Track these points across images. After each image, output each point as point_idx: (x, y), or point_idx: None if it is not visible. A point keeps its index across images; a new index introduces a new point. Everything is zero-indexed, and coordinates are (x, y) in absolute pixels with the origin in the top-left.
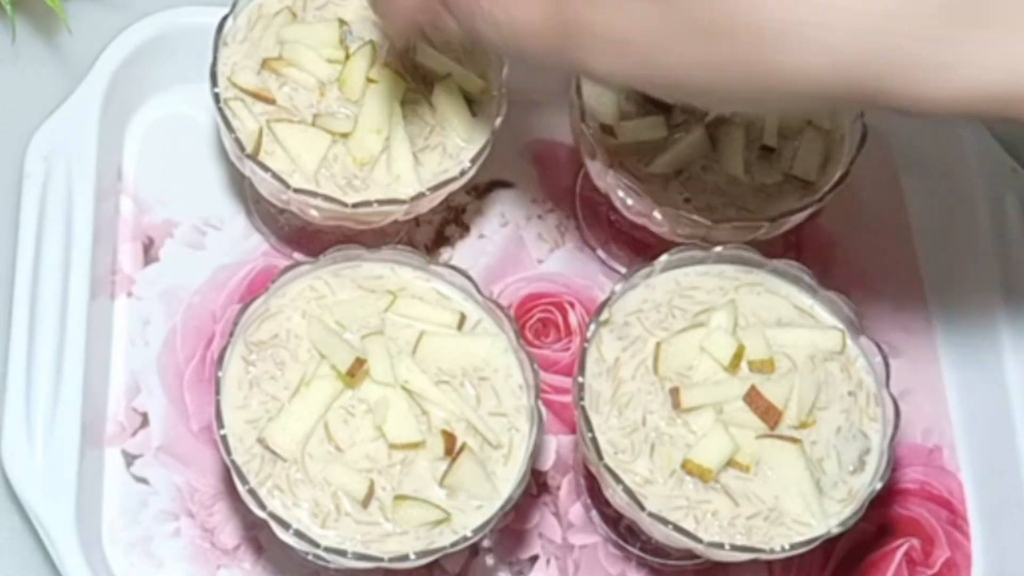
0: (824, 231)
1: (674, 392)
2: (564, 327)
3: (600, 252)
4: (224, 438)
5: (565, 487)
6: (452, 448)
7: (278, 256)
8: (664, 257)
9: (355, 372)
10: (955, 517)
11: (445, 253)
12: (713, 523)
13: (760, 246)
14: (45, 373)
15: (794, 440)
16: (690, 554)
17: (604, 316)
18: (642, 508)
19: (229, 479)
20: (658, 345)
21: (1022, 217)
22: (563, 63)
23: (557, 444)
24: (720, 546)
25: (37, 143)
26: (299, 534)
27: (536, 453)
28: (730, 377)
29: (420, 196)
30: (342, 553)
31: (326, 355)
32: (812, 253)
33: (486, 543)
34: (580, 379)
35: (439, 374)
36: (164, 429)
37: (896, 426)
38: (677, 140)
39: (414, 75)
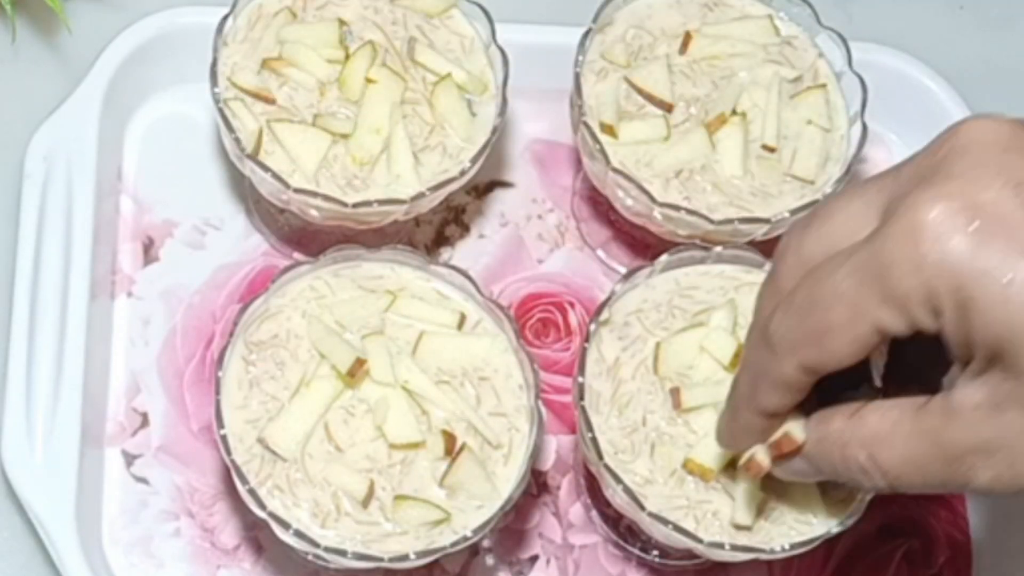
0: None
1: (674, 392)
2: (564, 327)
3: (600, 252)
4: (224, 438)
5: (565, 487)
6: (452, 448)
7: (278, 256)
8: (664, 257)
9: (355, 372)
10: (955, 517)
11: (445, 253)
12: (713, 523)
13: (760, 246)
14: (45, 373)
15: None
16: (690, 554)
17: (604, 316)
18: (642, 508)
19: (229, 479)
20: (658, 345)
21: None
22: (943, 488)
23: (557, 444)
24: (720, 546)
25: (37, 143)
26: (299, 534)
27: (536, 453)
28: (730, 376)
29: (420, 196)
30: (342, 553)
31: (326, 355)
32: None
33: (486, 543)
34: (580, 379)
35: (439, 374)
36: (164, 429)
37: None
38: (677, 140)
39: (414, 75)
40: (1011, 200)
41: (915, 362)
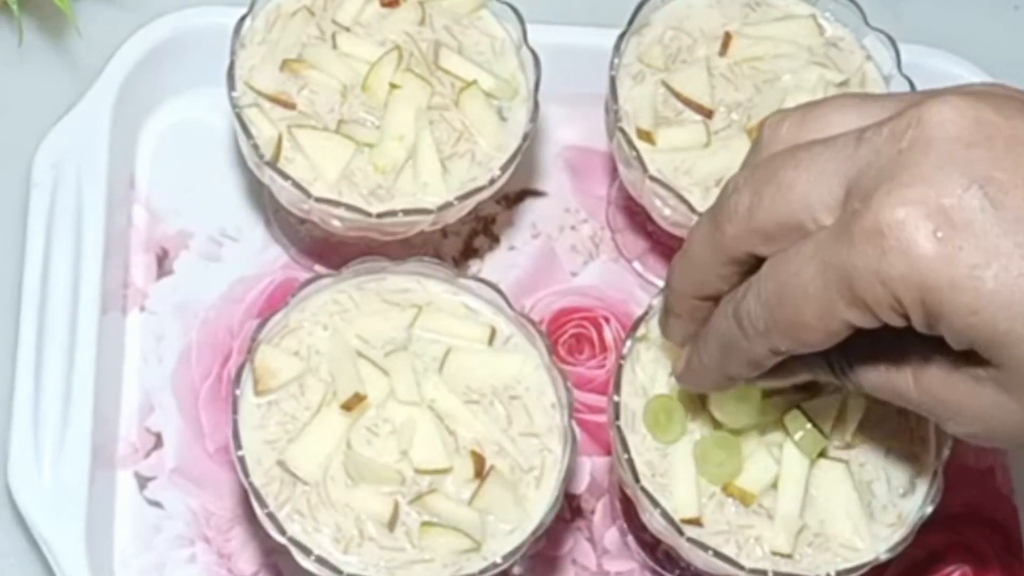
0: None
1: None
2: (599, 343)
3: (636, 264)
4: (242, 459)
5: (600, 511)
6: (481, 470)
7: (298, 268)
8: None
9: (352, 406)
10: (1009, 543)
11: (474, 266)
12: (756, 549)
13: None
14: (54, 391)
15: (841, 461)
16: None
17: (641, 332)
18: (681, 533)
19: (247, 502)
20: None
21: None
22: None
23: (591, 466)
24: (763, 573)
25: (45, 150)
26: (321, 560)
27: (569, 476)
28: (774, 396)
29: (448, 206)
30: None
31: (334, 379)
32: None
33: (517, 570)
34: (615, 398)
35: (468, 392)
36: (178, 450)
37: (948, 447)
38: (718, 147)
39: (441, 79)
40: (976, 202)
41: None
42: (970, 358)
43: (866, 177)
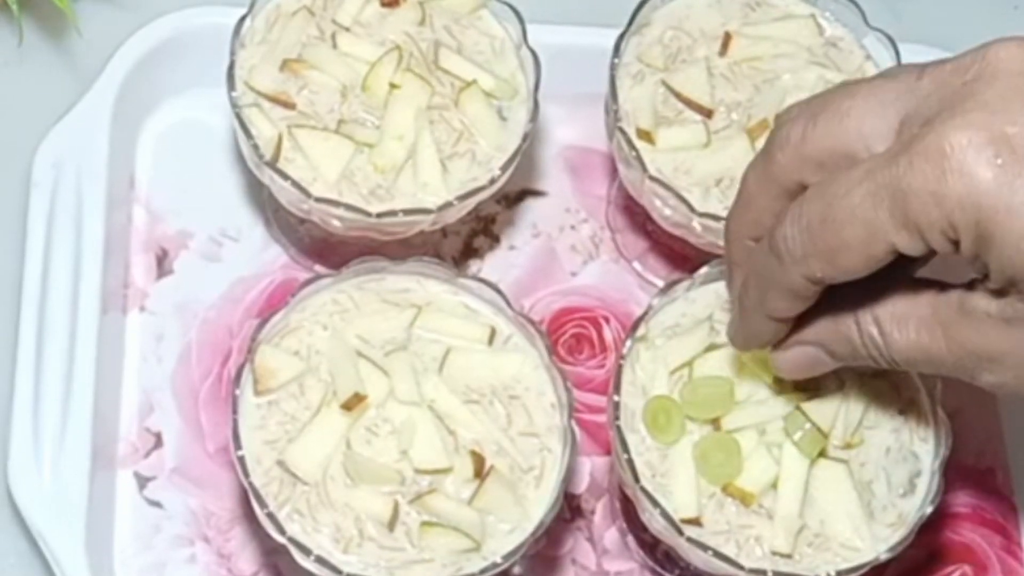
0: None
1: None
2: (599, 343)
3: (636, 264)
4: (242, 459)
5: (600, 511)
6: (480, 470)
7: (298, 268)
8: (704, 269)
9: (352, 406)
10: (1009, 543)
11: (474, 265)
12: (755, 549)
13: None
14: (53, 391)
15: (841, 461)
16: None
17: (641, 332)
18: (680, 533)
19: (247, 502)
20: (692, 362)
21: None
22: (950, 375)
23: (591, 466)
24: (763, 573)
25: (45, 150)
26: (320, 560)
27: (569, 475)
28: (774, 396)
29: (448, 206)
30: None
31: (333, 378)
32: None
33: (517, 570)
34: (615, 397)
35: (467, 392)
36: (178, 450)
37: (948, 447)
38: (718, 147)
39: (440, 79)
40: None
41: None
42: (1004, 296)
43: (926, 106)
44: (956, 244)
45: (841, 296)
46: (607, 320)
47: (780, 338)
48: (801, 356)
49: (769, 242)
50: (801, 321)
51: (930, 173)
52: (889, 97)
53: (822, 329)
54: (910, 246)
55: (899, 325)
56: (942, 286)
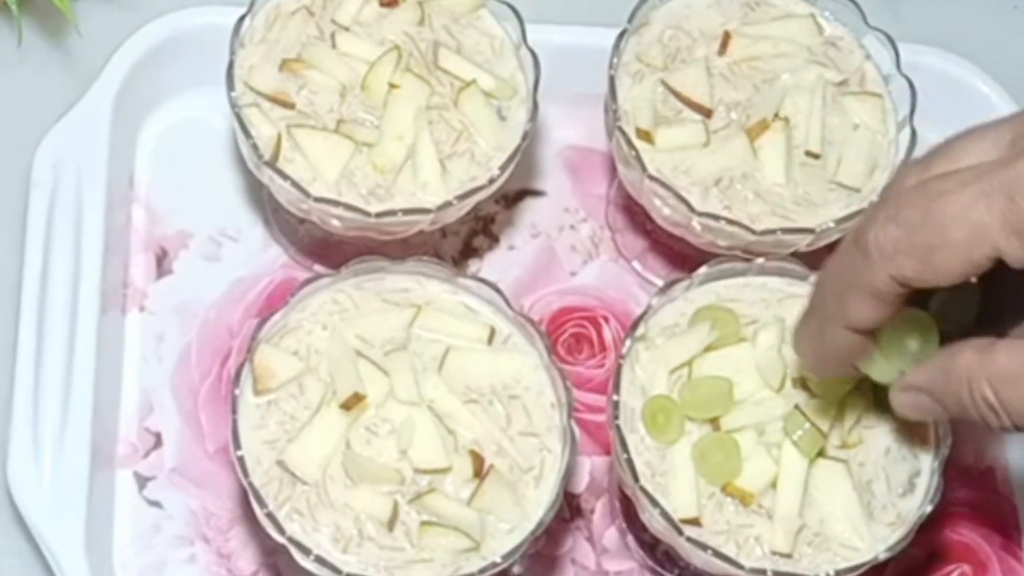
0: None
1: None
2: (598, 343)
3: (636, 264)
4: (241, 459)
5: (599, 511)
6: (480, 470)
7: (298, 268)
8: (703, 269)
9: (351, 406)
10: (1008, 542)
11: (473, 265)
12: (755, 548)
13: (804, 257)
14: (53, 391)
15: (840, 461)
16: None
17: (640, 331)
18: (680, 533)
19: (246, 502)
20: (692, 361)
21: None
22: None
23: (591, 465)
24: (762, 572)
25: (45, 150)
26: (320, 560)
27: (568, 475)
28: (773, 396)
29: (447, 205)
30: None
31: (333, 378)
32: None
33: (516, 569)
34: (615, 397)
35: (467, 392)
36: (178, 450)
37: (947, 446)
38: (717, 146)
39: (440, 78)
40: None
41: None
42: None
43: None
44: None
45: (951, 351)
46: (607, 320)
47: (858, 357)
48: (915, 402)
49: (855, 239)
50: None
51: None
52: (1005, 126)
53: (934, 378)
54: (1015, 254)
55: (1014, 384)
56: None
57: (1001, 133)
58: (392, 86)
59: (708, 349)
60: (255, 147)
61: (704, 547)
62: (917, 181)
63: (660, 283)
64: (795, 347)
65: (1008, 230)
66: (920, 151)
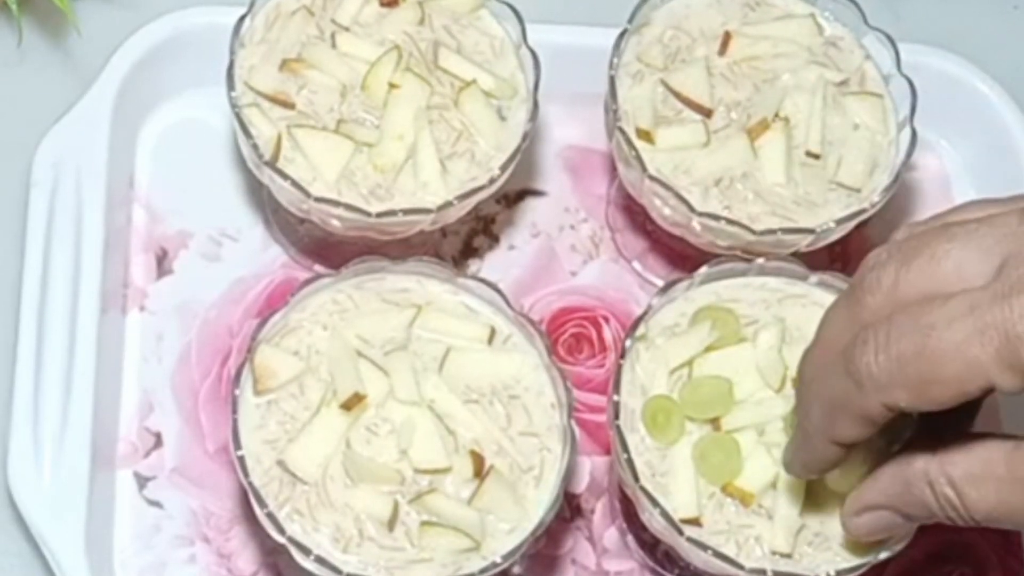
0: (871, 242)
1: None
2: (598, 343)
3: (636, 264)
4: (241, 459)
5: (599, 511)
6: (480, 470)
7: (298, 268)
8: (703, 269)
9: (352, 406)
10: (1009, 543)
11: (473, 265)
12: (755, 548)
13: (804, 257)
14: (53, 391)
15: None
16: None
17: (640, 331)
18: (680, 533)
19: (246, 502)
20: (692, 361)
21: None
22: None
23: (591, 465)
24: (762, 573)
25: (45, 150)
26: (320, 560)
27: (569, 475)
28: (773, 396)
29: (447, 205)
30: None
31: (333, 378)
32: (859, 265)
33: (516, 569)
34: (615, 397)
35: (467, 392)
36: (178, 450)
37: None
38: (717, 146)
39: (440, 78)
40: None
41: None
42: None
43: None
44: None
45: (902, 457)
46: (607, 320)
47: (837, 464)
48: (876, 521)
49: (847, 367)
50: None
51: None
52: (988, 242)
53: (892, 490)
54: (1010, 387)
55: (976, 487)
56: (1005, 437)
57: (984, 253)
58: (392, 86)
59: (708, 349)
60: (255, 147)
61: (704, 547)
62: (888, 298)
63: (660, 283)
64: (786, 466)
65: (1004, 366)
66: (920, 152)
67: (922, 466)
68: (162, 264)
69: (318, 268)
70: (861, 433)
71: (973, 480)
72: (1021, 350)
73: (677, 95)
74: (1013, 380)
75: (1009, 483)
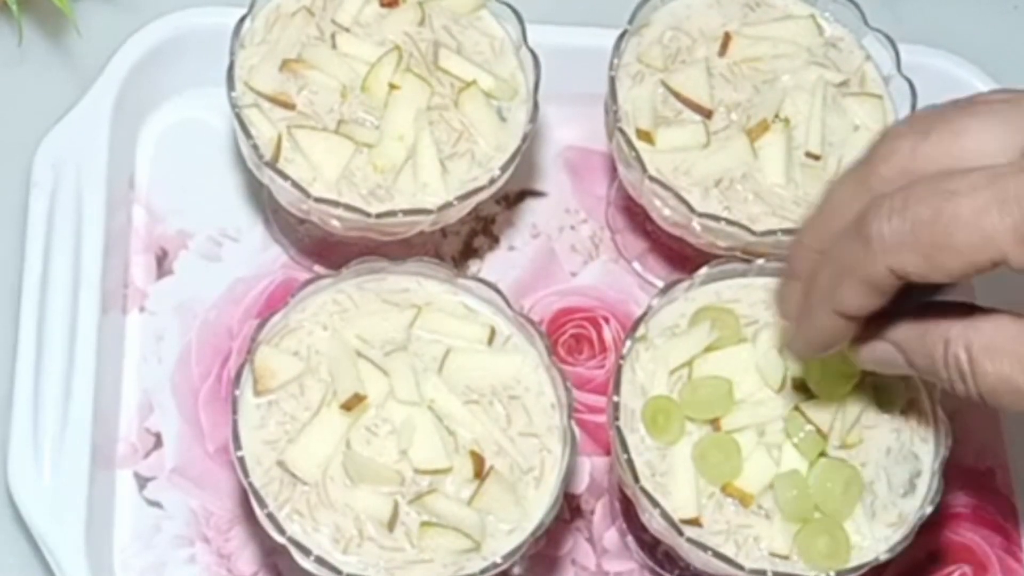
0: None
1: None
2: (598, 343)
3: (636, 265)
4: (241, 460)
5: (599, 511)
6: (480, 470)
7: (298, 269)
8: (704, 270)
9: (352, 406)
10: (1009, 543)
11: (473, 266)
12: (755, 549)
13: None
14: (53, 391)
15: (841, 461)
16: None
17: (640, 332)
18: (680, 533)
19: (246, 503)
20: (692, 361)
21: None
22: None
23: (591, 466)
24: (762, 573)
25: (45, 150)
26: (320, 560)
27: (569, 476)
28: (773, 396)
29: (447, 206)
30: None
31: (333, 379)
32: None
33: (516, 570)
34: (615, 398)
35: (467, 392)
36: (178, 450)
37: (948, 447)
38: (717, 147)
39: (440, 79)
40: None
41: None
42: None
43: None
44: None
45: (931, 309)
46: (607, 320)
47: (838, 343)
48: (880, 352)
49: (858, 227)
50: (879, 322)
51: None
52: (1012, 116)
53: (908, 334)
54: (1022, 262)
55: (992, 357)
56: None
57: (1008, 128)
58: (392, 87)
59: (708, 349)
60: (255, 147)
61: (704, 547)
62: (903, 167)
63: (660, 284)
64: (779, 311)
65: (1019, 239)
66: None
67: (947, 323)
68: (162, 264)
69: (318, 268)
70: (864, 303)
71: (992, 351)
72: None
73: (677, 96)
74: None
75: None
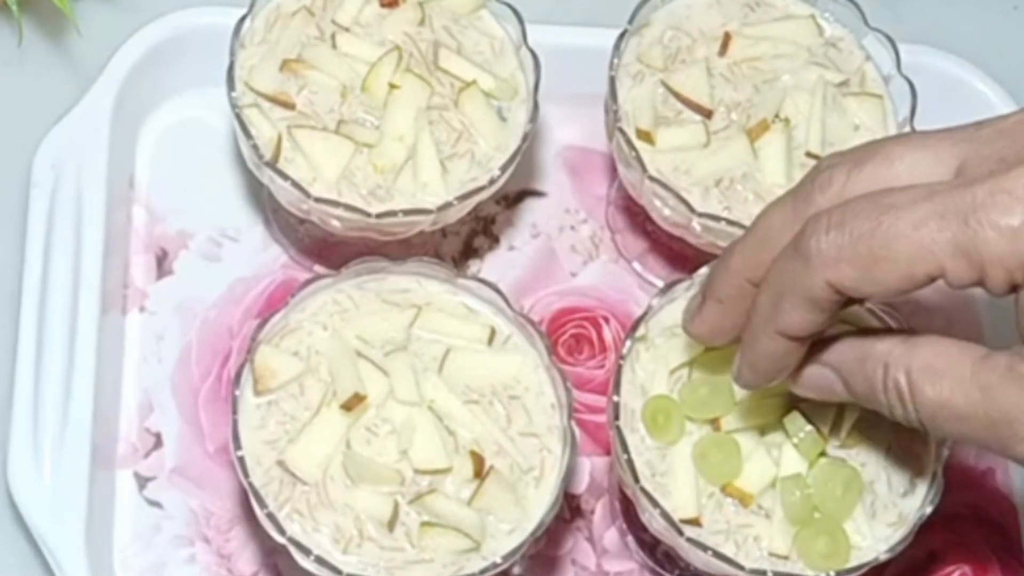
0: None
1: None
2: (598, 343)
3: (636, 265)
4: (241, 460)
5: (599, 511)
6: (480, 470)
7: (298, 269)
8: (704, 270)
9: (352, 406)
10: (1009, 543)
11: (473, 266)
12: (754, 548)
13: None
14: (53, 391)
15: (841, 461)
16: None
17: (640, 332)
18: (680, 533)
19: (246, 503)
20: (692, 360)
21: None
22: (972, 442)
23: (591, 466)
24: (762, 573)
25: (45, 150)
26: (320, 560)
27: (569, 476)
28: (773, 396)
29: (447, 206)
30: None
31: (333, 379)
32: None
33: (516, 570)
34: (615, 398)
35: (467, 392)
36: (178, 450)
37: (948, 447)
38: (717, 147)
39: (440, 79)
40: None
41: None
42: None
43: (995, 148)
44: (1014, 288)
45: (871, 335)
46: (607, 320)
47: (785, 369)
48: (818, 376)
49: (795, 244)
50: (819, 348)
51: (1015, 208)
52: (944, 144)
53: (847, 358)
54: (958, 276)
55: (932, 380)
56: (979, 347)
57: (941, 154)
58: (392, 87)
59: (708, 349)
60: (255, 147)
61: (704, 547)
62: (839, 194)
63: (660, 284)
64: (688, 327)
65: (957, 252)
66: None
67: (886, 347)
68: (162, 264)
69: (318, 268)
70: (806, 321)
71: (932, 374)
72: (978, 236)
73: (677, 96)
74: (963, 270)
75: (967, 386)
